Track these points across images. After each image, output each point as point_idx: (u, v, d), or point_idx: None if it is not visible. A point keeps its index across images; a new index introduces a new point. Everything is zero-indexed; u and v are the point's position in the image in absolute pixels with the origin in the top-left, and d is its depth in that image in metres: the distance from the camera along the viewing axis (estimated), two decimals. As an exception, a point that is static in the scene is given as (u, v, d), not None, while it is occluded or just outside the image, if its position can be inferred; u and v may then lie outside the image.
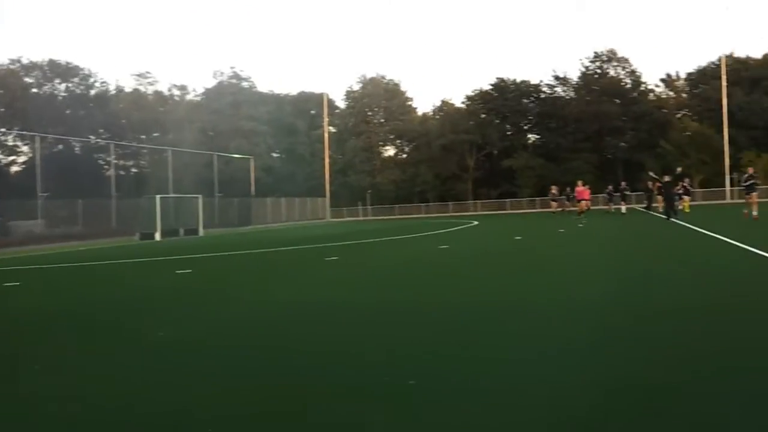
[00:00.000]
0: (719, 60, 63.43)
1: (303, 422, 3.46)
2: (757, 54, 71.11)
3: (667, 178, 26.42)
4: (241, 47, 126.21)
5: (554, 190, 42.99)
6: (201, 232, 38.05)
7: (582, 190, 36.34)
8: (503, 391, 3.83)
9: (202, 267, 15.01)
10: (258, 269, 14.00)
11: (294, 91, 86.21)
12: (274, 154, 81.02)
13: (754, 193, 22.46)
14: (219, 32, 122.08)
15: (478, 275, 10.55)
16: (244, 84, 79.33)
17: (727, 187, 56.96)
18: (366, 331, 6.08)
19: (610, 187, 39.74)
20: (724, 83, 58.92)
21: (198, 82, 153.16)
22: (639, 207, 40.92)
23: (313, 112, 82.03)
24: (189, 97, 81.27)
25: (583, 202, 35.85)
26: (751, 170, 23.92)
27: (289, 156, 79.74)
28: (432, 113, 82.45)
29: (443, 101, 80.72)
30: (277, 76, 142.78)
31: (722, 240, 14.16)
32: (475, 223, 35.22)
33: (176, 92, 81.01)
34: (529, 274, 10.25)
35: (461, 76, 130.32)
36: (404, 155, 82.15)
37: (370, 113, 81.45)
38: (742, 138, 60.49)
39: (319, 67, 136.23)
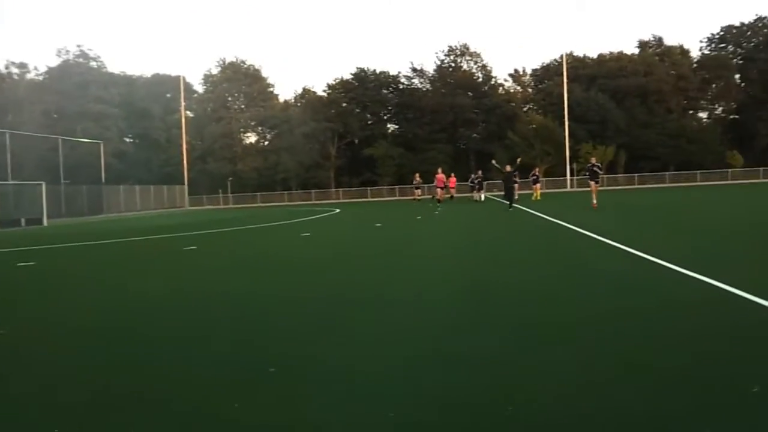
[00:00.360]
0: (561, 58, 68.52)
1: (165, 411, 3.64)
2: (593, 54, 77.70)
3: (508, 168, 26.83)
4: (89, 24, 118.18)
5: (418, 177, 44.28)
6: (45, 221, 35.56)
7: (441, 177, 37.11)
8: (367, 381, 4.22)
9: (45, 259, 14.24)
10: (107, 261, 13.52)
11: (148, 73, 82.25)
12: (127, 139, 77.01)
13: (594, 182, 23.50)
14: (63, 6, 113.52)
15: (338, 262, 10.93)
16: (93, 64, 74.35)
17: (568, 177, 61.91)
18: (218, 321, 6.15)
19: (472, 176, 40.81)
20: (565, 80, 63.77)
21: (40, 61, 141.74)
22: (493, 196, 43.28)
23: (169, 95, 78.75)
24: (30, 76, 74.91)
25: (439, 189, 36.77)
26: (593, 160, 25.02)
27: (144, 141, 76.12)
28: (294, 100, 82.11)
29: (305, 89, 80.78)
30: (130, 57, 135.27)
31: (563, 225, 15.63)
32: (338, 210, 35.76)
33: (15, 70, 74.39)
34: (386, 259, 10.82)
35: (323, 65, 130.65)
36: (266, 142, 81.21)
37: (230, 98, 79.58)
38: (581, 131, 65.90)
39: (176, 49, 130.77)
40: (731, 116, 77.01)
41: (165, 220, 32.96)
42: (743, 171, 64.86)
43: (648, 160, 67.98)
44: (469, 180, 41.31)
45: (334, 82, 77.28)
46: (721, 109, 78.80)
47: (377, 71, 75.96)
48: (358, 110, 75.35)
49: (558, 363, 4.05)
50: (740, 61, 77.52)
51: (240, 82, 78.58)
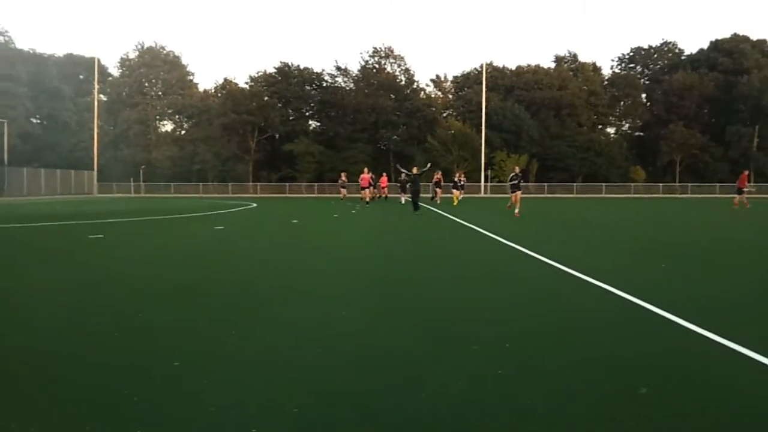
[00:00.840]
0: (481, 67, 70.48)
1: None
2: (511, 65, 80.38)
3: (415, 171, 25.84)
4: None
5: (343, 177, 44.04)
6: (-63, 203, 33.50)
7: (366, 177, 34.73)
8: (273, 372, 4.46)
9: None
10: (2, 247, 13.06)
11: (60, 53, 78.66)
12: (34, 120, 73.28)
13: (518, 192, 23.20)
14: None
15: (250, 256, 10.99)
16: (-1, 38, 70.45)
17: (482, 183, 63.77)
18: (121, 313, 6.17)
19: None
20: (484, 89, 65.62)
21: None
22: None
23: (81, 77, 75.60)
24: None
25: (365, 190, 34.56)
26: (517, 169, 24.41)
27: (52, 123, 72.67)
28: (214, 91, 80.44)
29: (226, 80, 79.31)
30: (41, 34, 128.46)
31: (472, 228, 16.29)
32: (254, 205, 35.47)
33: None
34: (297, 253, 11.01)
35: (245, 56, 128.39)
36: (183, 131, 79.23)
37: (147, 84, 77.17)
38: (497, 139, 68.04)
39: (92, 30, 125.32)
40: (636, 133, 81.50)
41: (72, 207, 31.70)
42: (645, 186, 68.91)
43: (558, 171, 71.02)
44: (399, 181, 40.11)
45: (256, 75, 76.34)
46: (627, 125, 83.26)
47: (301, 67, 75.60)
48: (280, 105, 74.67)
49: (457, 358, 4.34)
50: (647, 82, 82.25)
51: (158, 68, 76.33)
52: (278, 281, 8.00)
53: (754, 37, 78.73)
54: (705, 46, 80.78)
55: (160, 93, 77.96)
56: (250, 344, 4.84)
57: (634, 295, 6.63)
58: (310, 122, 78.30)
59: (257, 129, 71.63)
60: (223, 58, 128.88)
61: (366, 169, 35.80)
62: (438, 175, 38.53)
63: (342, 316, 5.81)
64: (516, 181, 23.35)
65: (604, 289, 7.15)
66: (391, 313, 6.03)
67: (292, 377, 4.01)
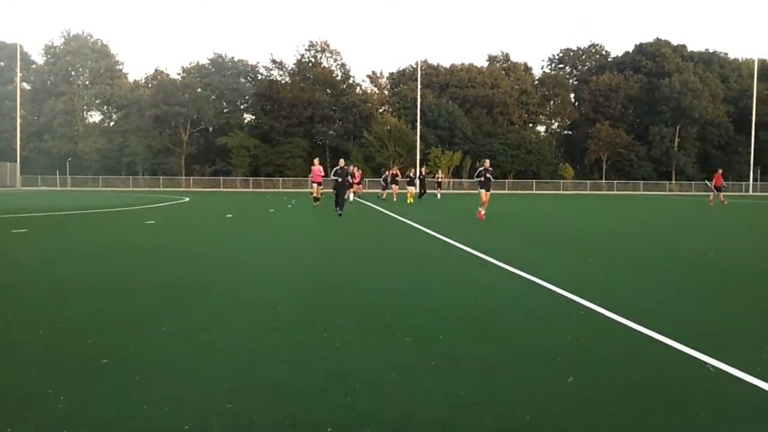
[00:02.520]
0: (416, 64, 71.17)
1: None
2: (446, 63, 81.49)
3: (342, 162, 22.51)
4: None
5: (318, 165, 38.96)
6: None
7: (317, 169, 26.64)
8: (195, 372, 4.51)
9: None
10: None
11: (-22, 38, 74.64)
12: (-52, 108, 69.55)
13: (485, 190, 19.24)
14: None
15: (181, 251, 10.84)
16: None
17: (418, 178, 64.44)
18: (45, 309, 6.05)
19: (387, 174, 37.37)
20: (419, 85, 66.31)
21: None
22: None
23: (2, 63, 72.11)
24: None
25: (318, 186, 26.88)
26: (487, 164, 20.01)
27: (-31, 112, 69.10)
28: (144, 81, 78.21)
29: (157, 70, 77.29)
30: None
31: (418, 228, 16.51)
32: (186, 199, 34.81)
33: None
34: (234, 246, 10.93)
35: (177, 46, 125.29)
36: (112, 123, 76.70)
37: (73, 73, 74.30)
38: (431, 136, 68.97)
39: (13, 14, 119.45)
40: (565, 132, 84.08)
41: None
42: (573, 182, 71.28)
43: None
44: (383, 178, 37.81)
45: (189, 66, 74.75)
46: (557, 124, 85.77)
47: (236, 59, 74.48)
48: (213, 97, 73.34)
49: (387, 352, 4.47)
50: (575, 82, 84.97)
51: (85, 56, 73.58)
52: (211, 276, 7.93)
53: (674, 42, 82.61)
54: (630, 49, 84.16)
55: (87, 82, 75.18)
56: (180, 340, 4.82)
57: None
58: (245, 115, 77.25)
59: (190, 121, 70.16)
60: (154, 48, 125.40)
61: (317, 161, 27.18)
62: (394, 170, 37.54)
63: (277, 311, 5.86)
64: (483, 177, 19.06)
65: (550, 290, 7.46)
66: (327, 308, 6.11)
67: (226, 372, 4.03)
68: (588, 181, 71.65)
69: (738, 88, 78.66)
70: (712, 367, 4.23)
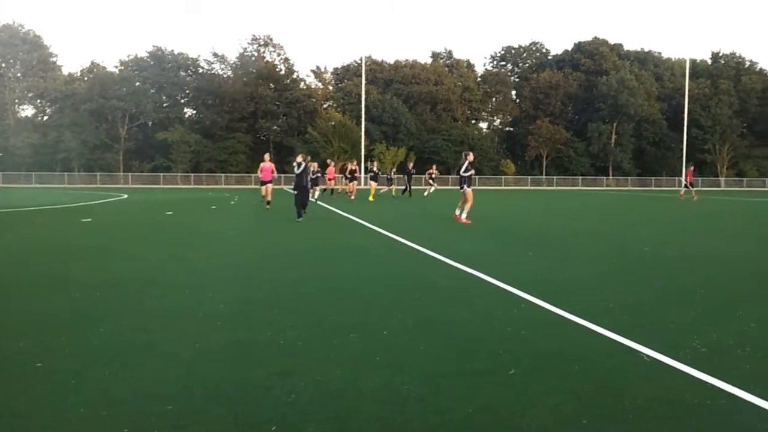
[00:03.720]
0: (360, 60, 71.09)
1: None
2: (390, 59, 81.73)
3: (301, 159, 18.12)
4: None
5: (352, 166, 32.49)
6: None
7: (268, 167, 22.41)
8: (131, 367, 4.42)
9: None
10: None
11: None
12: None
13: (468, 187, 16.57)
14: None
15: (117, 249, 10.56)
16: None
17: (363, 174, 64.51)
18: None
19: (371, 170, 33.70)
20: (363, 81, 66.28)
21: None
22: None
23: (-75, 55, 68.54)
24: None
25: (268, 185, 22.32)
26: (470, 157, 17.41)
27: None
28: (80, 74, 75.48)
29: (93, 63, 74.72)
30: None
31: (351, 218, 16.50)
32: (125, 196, 33.91)
33: None
34: (173, 242, 10.72)
35: (114, 39, 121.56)
36: (45, 117, 73.78)
37: (3, 65, 71.04)
38: (376, 132, 69.09)
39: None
40: (507, 128, 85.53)
41: None
42: (515, 178, 72.64)
43: (434, 164, 73.25)
44: (370, 173, 33.21)
45: (127, 59, 72.58)
46: (499, 121, 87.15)
47: (176, 52, 72.75)
48: (152, 91, 71.41)
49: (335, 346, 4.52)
50: (516, 79, 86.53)
51: (16, 47, 70.41)
52: (150, 275, 7.77)
53: (612, 41, 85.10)
54: (569, 47, 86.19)
55: (18, 75, 72.06)
56: (118, 341, 4.70)
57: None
58: (186, 110, 75.56)
59: (128, 116, 68.12)
60: (91, 40, 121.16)
61: (267, 156, 22.77)
62: (351, 165, 32.65)
63: (219, 310, 5.79)
64: (470, 173, 16.69)
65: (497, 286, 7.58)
66: (270, 306, 6.07)
67: (166, 373, 3.97)
68: (529, 177, 73.11)
69: (671, 86, 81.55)
70: (647, 356, 4.40)
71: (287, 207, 20.20)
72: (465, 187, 16.33)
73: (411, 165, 35.56)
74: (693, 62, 80.00)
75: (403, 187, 34.46)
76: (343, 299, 6.40)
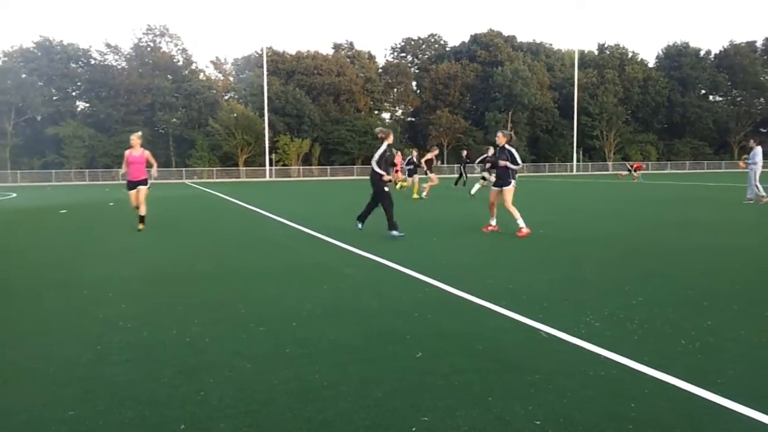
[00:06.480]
0: (261, 50, 69.91)
1: None
2: (292, 50, 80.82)
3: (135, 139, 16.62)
4: None
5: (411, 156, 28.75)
6: None
7: (136, 157, 18.47)
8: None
9: None
10: None
11: None
12: None
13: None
14: None
15: (8, 249, 10.00)
16: None
17: (267, 167, 63.73)
18: None
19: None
20: (265, 72, 65.25)
21: None
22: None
23: None
24: None
25: (140, 190, 19.97)
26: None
27: None
28: (-43, 66, 69.94)
29: (-27, 54, 69.43)
30: None
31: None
32: (13, 195, 31.91)
33: None
34: (70, 241, 10.23)
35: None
36: None
37: None
38: (280, 123, 68.24)
39: None
40: (409, 118, 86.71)
41: None
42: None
43: (339, 154, 73.34)
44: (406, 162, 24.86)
45: (11, 50, 67.87)
46: (401, 111, 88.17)
47: (65, 42, 68.74)
48: (41, 83, 67.19)
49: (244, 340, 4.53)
50: (417, 70, 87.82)
51: None
52: (45, 276, 7.40)
53: (506, 33, 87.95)
54: (466, 39, 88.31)
55: None
56: (11, 347, 4.48)
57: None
58: (78, 103, 71.60)
59: (14, 110, 63.87)
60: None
61: (136, 139, 13.71)
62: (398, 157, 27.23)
63: (120, 309, 5.61)
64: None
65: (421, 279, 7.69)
66: (174, 303, 5.94)
67: (65, 377, 3.82)
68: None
69: (562, 76, 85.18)
70: (545, 333, 4.65)
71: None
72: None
73: (465, 153, 32.35)
74: (581, 53, 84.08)
75: (458, 175, 32.19)
76: (251, 291, 6.33)
